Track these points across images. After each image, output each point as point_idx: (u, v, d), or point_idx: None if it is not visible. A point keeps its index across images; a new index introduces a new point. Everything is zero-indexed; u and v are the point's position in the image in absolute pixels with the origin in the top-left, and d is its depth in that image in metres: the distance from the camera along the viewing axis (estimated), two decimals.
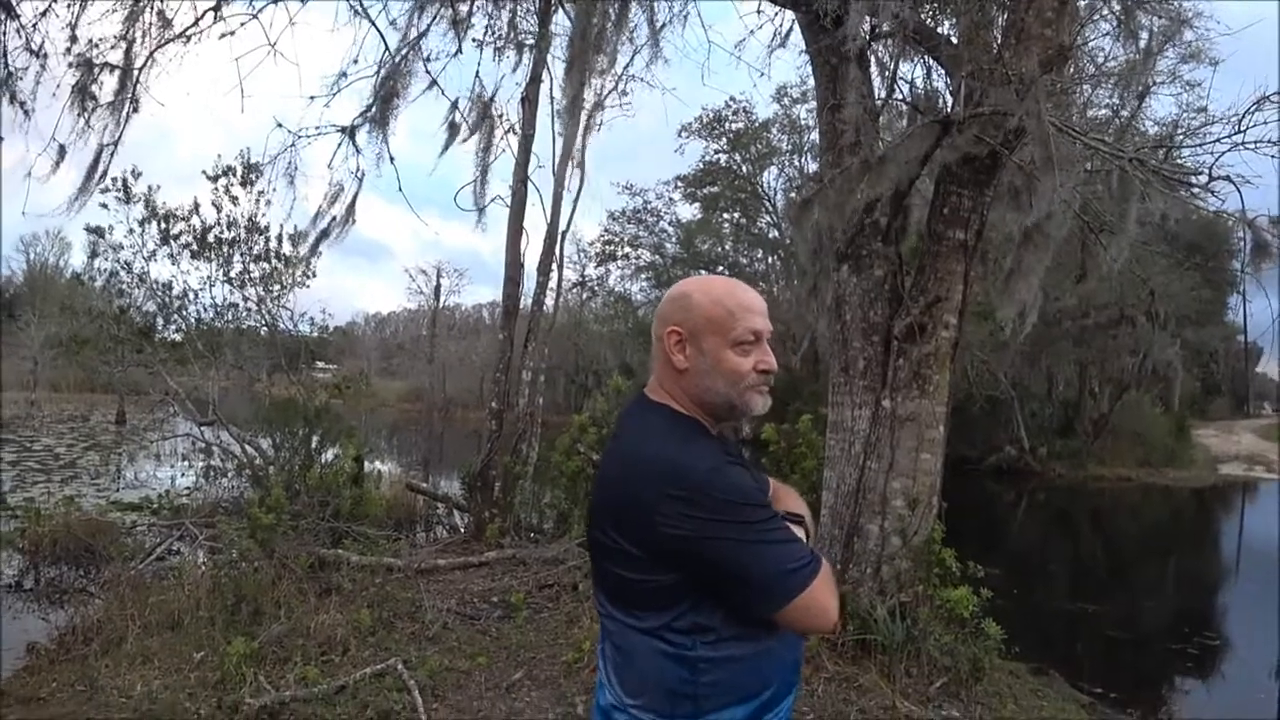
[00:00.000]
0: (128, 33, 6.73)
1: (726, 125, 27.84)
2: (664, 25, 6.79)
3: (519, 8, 8.72)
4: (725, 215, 30.99)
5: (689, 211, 31.36)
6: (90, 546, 7.99)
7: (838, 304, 5.61)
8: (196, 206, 9.97)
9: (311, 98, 6.37)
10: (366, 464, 9.77)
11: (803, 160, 27.90)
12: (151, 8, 6.78)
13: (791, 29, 6.86)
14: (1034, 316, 5.76)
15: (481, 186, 8.44)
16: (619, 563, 1.63)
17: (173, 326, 10.77)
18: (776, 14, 6.84)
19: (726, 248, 32.19)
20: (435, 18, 6.05)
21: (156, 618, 5.66)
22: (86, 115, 6.77)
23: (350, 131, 6.43)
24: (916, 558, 5.33)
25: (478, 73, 7.25)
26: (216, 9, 6.85)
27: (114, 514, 9.81)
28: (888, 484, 5.31)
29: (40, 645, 5.63)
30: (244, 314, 10.61)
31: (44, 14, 6.51)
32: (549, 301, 11.12)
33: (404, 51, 6.03)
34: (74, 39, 6.60)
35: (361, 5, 6.84)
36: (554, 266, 10.70)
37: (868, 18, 5.31)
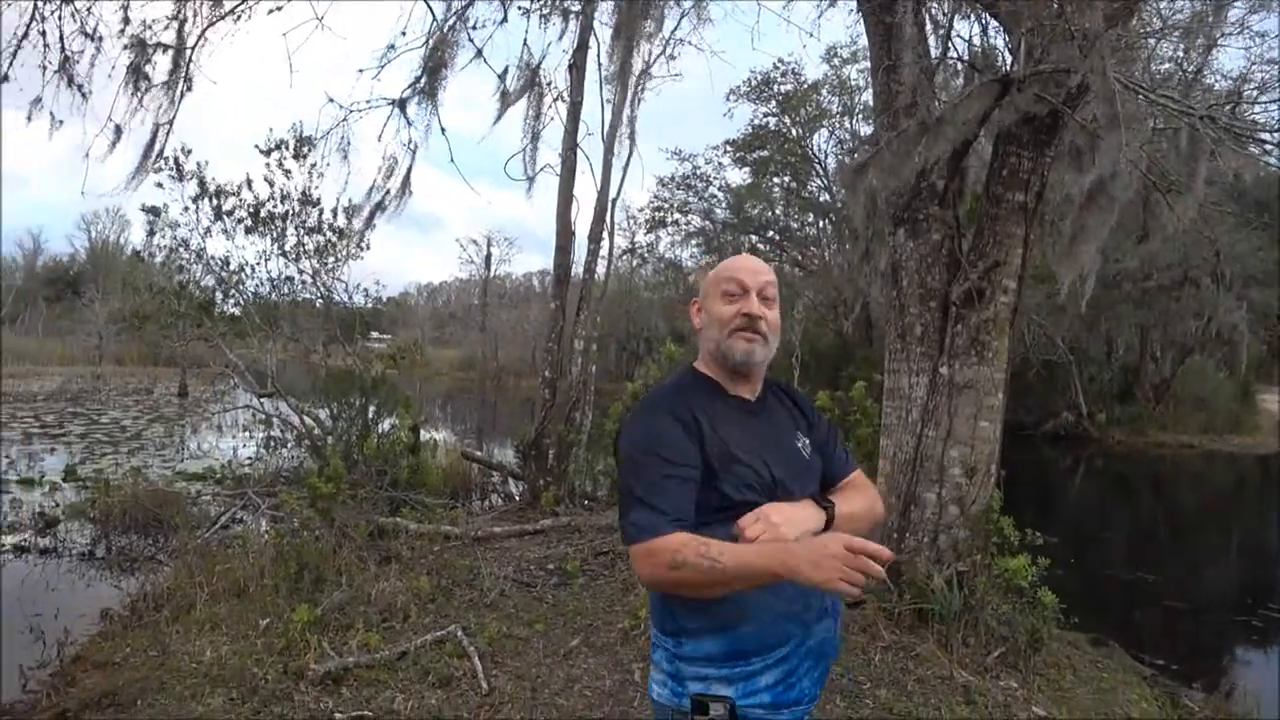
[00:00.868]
0: (179, 12, 6.80)
1: (775, 88, 27.35)
2: None
3: None
4: (775, 179, 30.49)
5: (738, 176, 30.94)
6: (158, 516, 8.24)
7: (894, 269, 5.51)
8: (249, 181, 10.09)
9: (360, 70, 6.39)
10: (422, 433, 9.90)
11: (854, 122, 27.37)
12: None
13: None
14: (1093, 279, 5.61)
15: (531, 155, 8.43)
16: None
17: (231, 300, 10.95)
18: None
19: (777, 212, 31.77)
20: None
21: (223, 585, 5.82)
22: (141, 95, 6.87)
23: (401, 104, 6.45)
24: (974, 527, 5.26)
25: (525, 40, 7.22)
26: None
27: (179, 484, 10.11)
28: (945, 452, 5.24)
29: (114, 611, 5.84)
30: (299, 287, 10.73)
31: None
32: (600, 269, 11.08)
33: (450, 21, 6.01)
34: (127, 20, 6.69)
35: None
36: (604, 234, 10.66)
37: None
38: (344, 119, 6.83)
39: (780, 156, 29.13)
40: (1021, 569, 5.05)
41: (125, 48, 6.81)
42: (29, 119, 6.70)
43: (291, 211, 10.22)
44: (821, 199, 29.72)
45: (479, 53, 6.48)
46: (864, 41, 6.15)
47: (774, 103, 27.91)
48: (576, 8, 8.90)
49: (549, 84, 9.11)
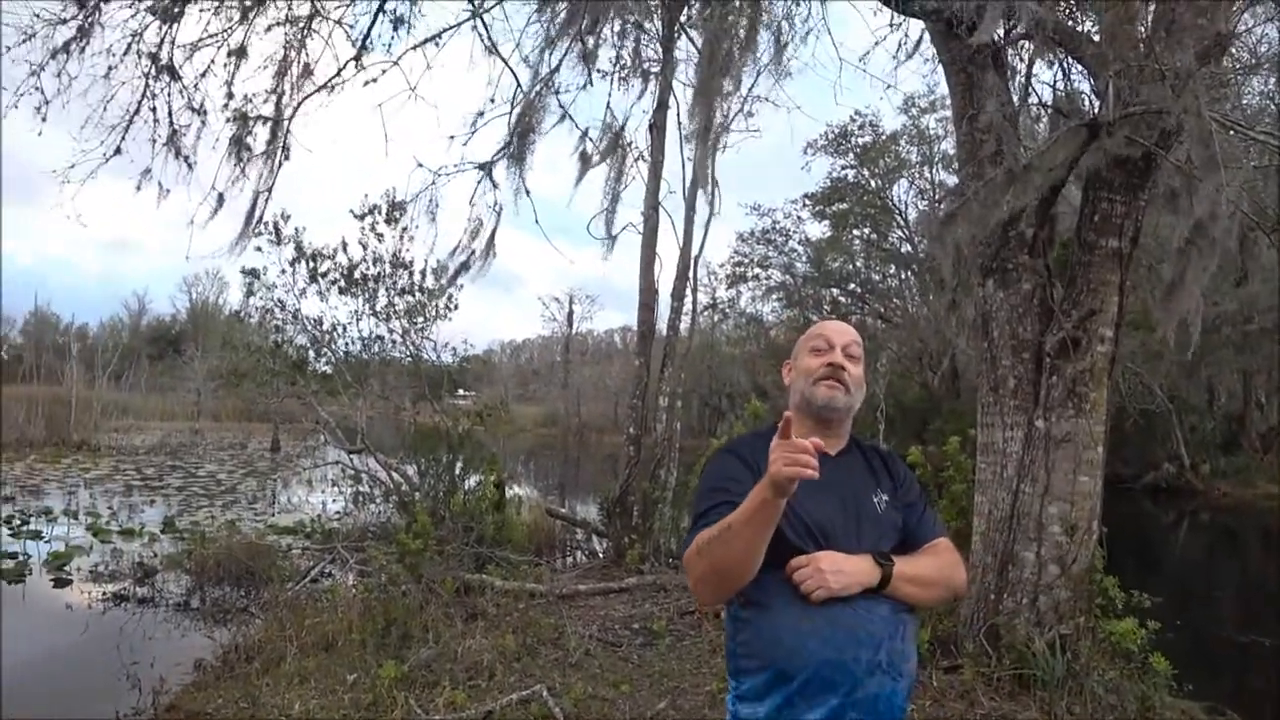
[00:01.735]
0: (277, 86, 7.13)
1: (853, 140, 27.39)
2: (787, 44, 6.74)
3: (643, 37, 8.82)
4: (855, 232, 30.38)
5: (818, 229, 30.95)
6: (250, 568, 8.43)
7: (984, 320, 5.38)
8: (344, 245, 10.46)
9: (451, 137, 6.60)
10: (507, 489, 9.98)
11: (934, 171, 27.19)
12: (299, 61, 7.18)
13: (921, 38, 6.70)
14: (1199, 324, 5.38)
15: (612, 214, 8.53)
16: None
17: (323, 359, 11.29)
18: (904, 23, 6.69)
19: (858, 265, 31.57)
20: (565, 52, 6.18)
21: (312, 639, 5.90)
22: (243, 165, 7.20)
23: (488, 168, 6.62)
24: (1076, 587, 5.04)
25: (608, 103, 7.35)
26: (357, 59, 7.20)
27: (271, 537, 10.35)
28: (1043, 509, 5.04)
29: (206, 662, 5.97)
30: (389, 346, 11.03)
31: (204, 75, 6.98)
32: (683, 325, 11.11)
33: (537, 87, 6.18)
34: (230, 95, 7.05)
35: (495, 45, 7.07)
36: (687, 291, 10.71)
37: (1003, 21, 5.12)
38: (432, 183, 7.05)
39: (860, 209, 29.05)
40: (1129, 632, 4.81)
41: (228, 121, 7.17)
42: (138, 188, 7.08)
43: (383, 273, 10.55)
44: (903, 250, 29.45)
45: (565, 114, 6.65)
46: (942, 90, 6.12)
47: (852, 155, 27.90)
48: (656, 69, 9.07)
49: (630, 144, 9.26)
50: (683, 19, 8.87)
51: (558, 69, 6.03)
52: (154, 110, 6.99)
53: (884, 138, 27.15)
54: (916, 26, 6.48)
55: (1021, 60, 6.14)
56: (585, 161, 7.33)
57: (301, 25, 7.12)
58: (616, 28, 7.41)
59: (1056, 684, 4.71)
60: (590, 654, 5.90)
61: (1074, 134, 4.82)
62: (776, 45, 6.58)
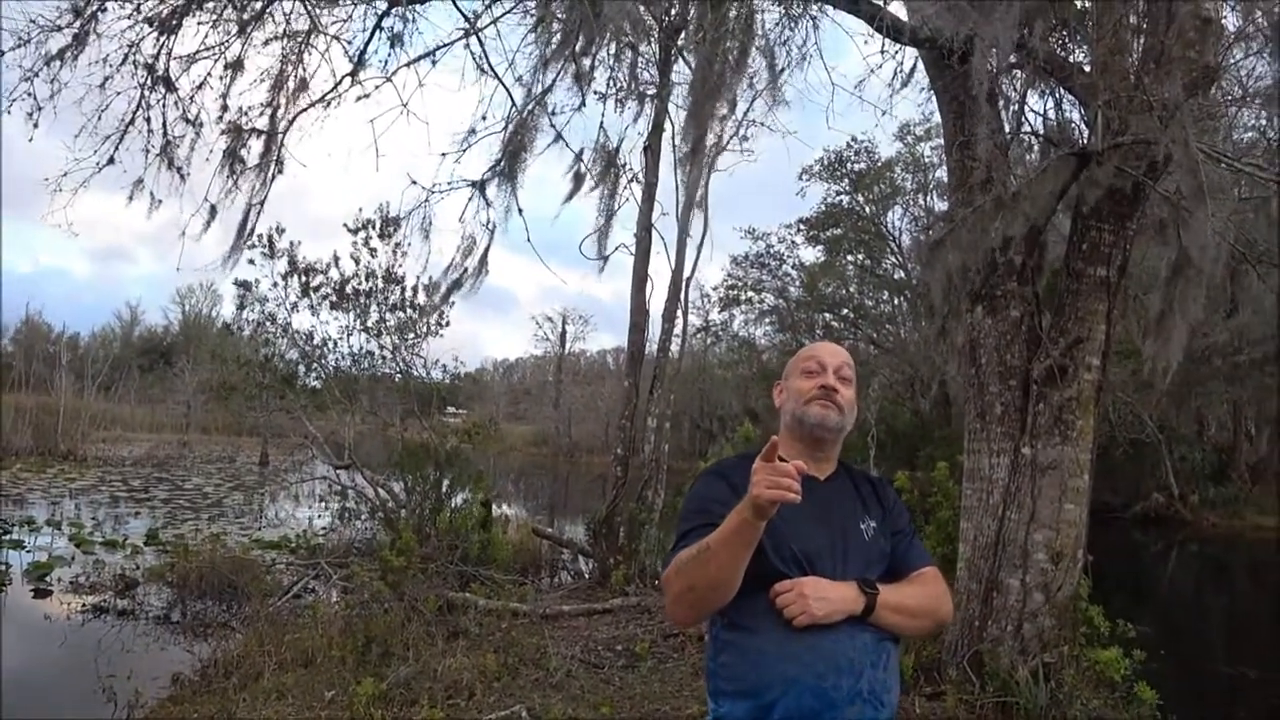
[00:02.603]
0: (273, 99, 7.14)
1: (848, 166, 27.55)
2: (784, 69, 6.77)
3: (639, 59, 8.87)
4: (849, 257, 30.48)
5: (812, 254, 31.05)
6: (233, 582, 8.34)
7: (972, 347, 5.39)
8: (336, 260, 10.46)
9: (443, 154, 6.60)
10: (494, 508, 9.93)
11: (928, 199, 27.34)
12: (295, 76, 7.19)
13: (915, 66, 6.73)
14: (1179, 355, 5.39)
15: (605, 235, 8.54)
16: None
17: (313, 374, 11.27)
18: (898, 52, 6.73)
19: (851, 290, 31.68)
20: (559, 73, 6.19)
21: (291, 654, 5.84)
22: (236, 177, 7.19)
23: (480, 186, 6.62)
24: (1061, 615, 5.02)
25: (601, 124, 7.35)
26: (353, 74, 7.21)
27: (255, 552, 10.28)
28: (1029, 536, 5.03)
29: (184, 676, 5.89)
30: (379, 361, 11.00)
31: (200, 86, 6.98)
32: (674, 348, 11.12)
33: (530, 106, 6.19)
34: (225, 107, 7.05)
35: (489, 64, 7.09)
36: (679, 313, 10.73)
37: (994, 51, 5.16)
38: (425, 200, 7.04)
39: (854, 234, 29.20)
40: (1114, 661, 4.79)
41: (222, 133, 7.17)
42: (130, 199, 7.06)
43: (375, 289, 10.54)
44: (896, 276, 29.57)
45: (558, 136, 6.65)
46: (937, 119, 6.14)
47: (847, 181, 28.04)
48: (651, 92, 9.11)
49: (624, 165, 9.29)
50: (680, 42, 8.93)
51: (551, 88, 6.05)
52: (148, 121, 6.98)
53: (879, 164, 27.32)
54: (911, 54, 6.52)
55: (1014, 89, 6.19)
56: (579, 181, 7.34)
57: (299, 40, 7.13)
58: (612, 50, 7.45)
59: (1040, 712, 4.68)
60: (572, 675, 5.85)
61: (1063, 163, 4.86)
62: (770, 69, 6.60)
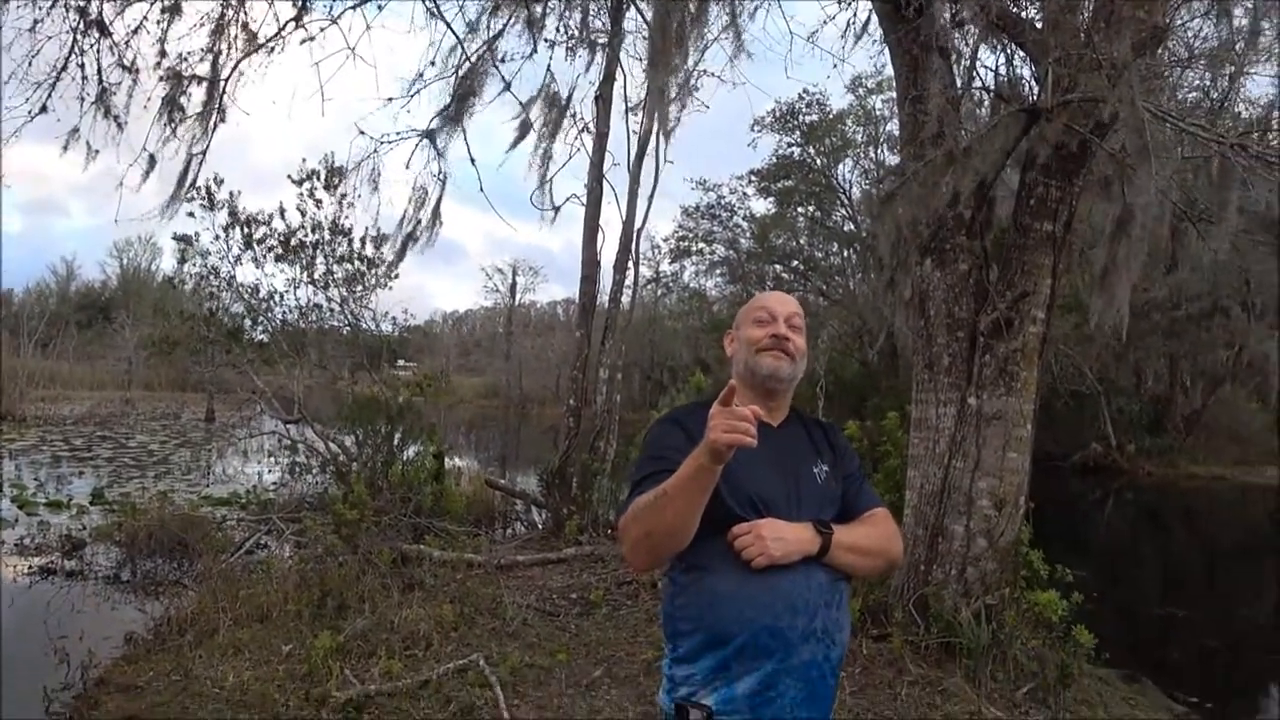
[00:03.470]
0: (214, 45, 6.93)
1: (800, 118, 27.49)
2: (739, 16, 6.71)
3: (592, 6, 8.74)
4: (800, 209, 30.51)
5: (763, 206, 31.06)
6: (183, 540, 8.23)
7: (921, 300, 5.49)
8: (281, 211, 10.22)
9: (389, 99, 6.48)
10: (446, 460, 9.92)
11: (879, 152, 27.44)
12: (236, 20, 6.97)
13: (869, 19, 6.74)
14: (1126, 311, 5.54)
15: (547, 187, 8.48)
16: None
17: (260, 328, 11.07)
18: (852, 3, 6.73)
19: (801, 242, 31.78)
20: (510, 19, 6.10)
21: (247, 610, 5.83)
22: (175, 126, 6.99)
23: (430, 135, 6.53)
24: (1003, 560, 5.19)
25: (549, 67, 7.27)
26: (298, 19, 7.02)
27: (205, 509, 10.16)
28: (973, 484, 5.18)
29: (137, 635, 5.84)
30: (327, 314, 10.85)
31: (135, 31, 6.74)
32: (625, 299, 11.10)
33: (480, 51, 6.09)
34: (163, 54, 6.82)
35: (438, 8, 6.94)
36: (630, 264, 10.70)
37: (949, 5, 5.19)
38: (374, 151, 6.92)
39: (805, 187, 29.22)
40: (1052, 603, 4.96)
41: (161, 80, 6.95)
42: (65, 148, 6.83)
43: (321, 240, 10.34)
44: (846, 229, 29.74)
45: (507, 85, 6.58)
46: (889, 71, 6.16)
47: (799, 133, 28.01)
48: (603, 40, 9.00)
49: (575, 115, 9.20)
50: None
51: (502, 33, 5.95)
52: (82, 67, 6.74)
53: (830, 116, 27.31)
54: (865, 6, 6.52)
55: (966, 44, 6.22)
56: (524, 129, 7.26)
57: None
58: None
59: (981, 652, 4.85)
60: (528, 624, 5.93)
61: (1014, 119, 4.92)
62: (734, 20, 6.54)
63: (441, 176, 7.02)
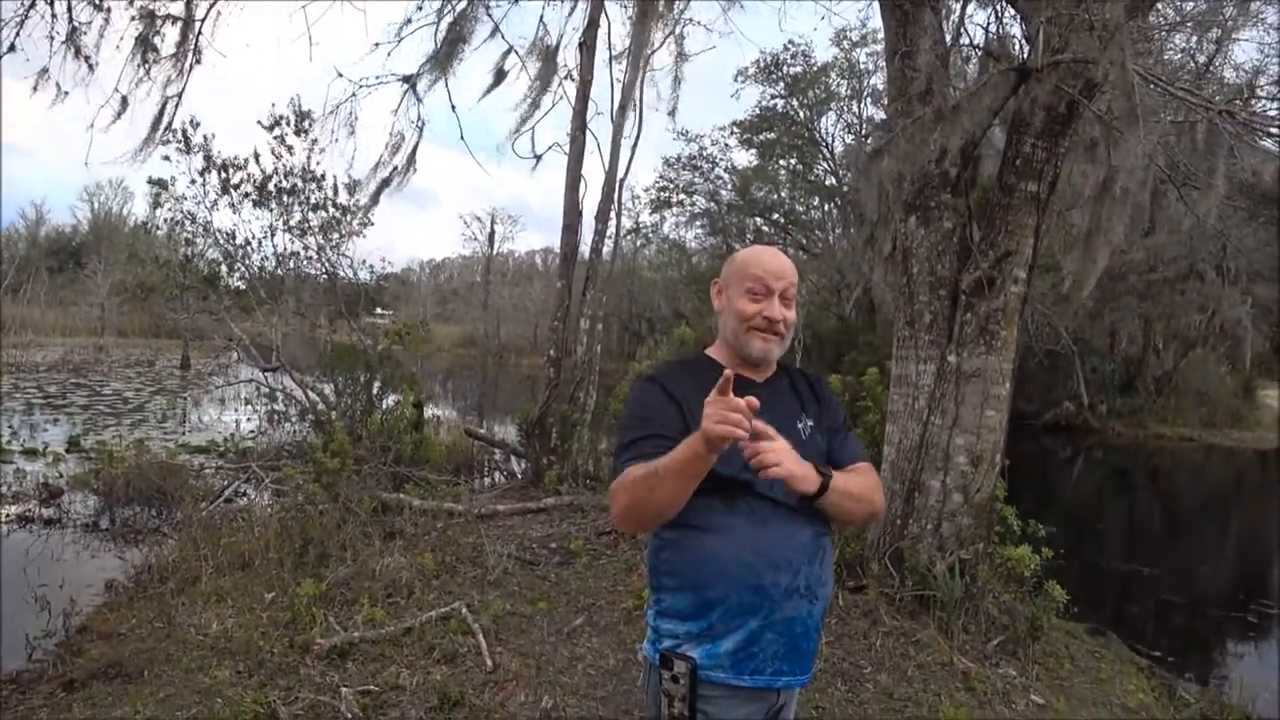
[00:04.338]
0: None
1: (784, 69, 27.22)
2: None
3: None
4: (782, 162, 30.27)
5: (745, 158, 30.79)
6: (161, 488, 8.21)
7: (904, 256, 5.51)
8: (256, 156, 10.04)
9: (376, 45, 6.38)
10: (425, 409, 9.91)
11: (862, 106, 27.26)
12: None
13: None
14: (1098, 271, 5.60)
15: (530, 134, 8.37)
16: None
17: (236, 274, 10.94)
18: None
19: (782, 195, 31.58)
20: None
21: (228, 558, 5.85)
22: (148, 67, 6.84)
23: (412, 81, 6.43)
24: (978, 515, 5.29)
25: (542, 18, 7.17)
26: None
27: (183, 456, 10.10)
28: (951, 440, 5.25)
29: (119, 583, 5.86)
30: (304, 262, 10.73)
31: None
32: (606, 249, 11.05)
33: None
34: None
35: None
36: (612, 214, 10.63)
37: None
38: (353, 95, 6.82)
39: (787, 139, 28.98)
40: (1024, 558, 5.08)
41: (133, 19, 6.78)
42: (35, 89, 6.67)
43: (296, 186, 10.19)
44: (827, 182, 29.59)
45: (496, 29, 6.48)
46: (875, 24, 6.12)
47: (782, 85, 27.75)
48: None
49: (559, 63, 9.08)
50: None
51: None
52: (51, 4, 6.57)
53: (815, 69, 27.06)
54: None
55: (956, 0, 6.19)
56: (500, 76, 7.17)
57: None
58: None
59: (954, 605, 4.97)
60: (509, 572, 5.99)
61: (1003, 78, 4.91)
62: None
63: (420, 123, 6.94)
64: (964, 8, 6.23)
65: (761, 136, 29.28)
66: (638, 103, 10.85)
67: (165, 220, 10.61)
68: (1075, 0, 4.65)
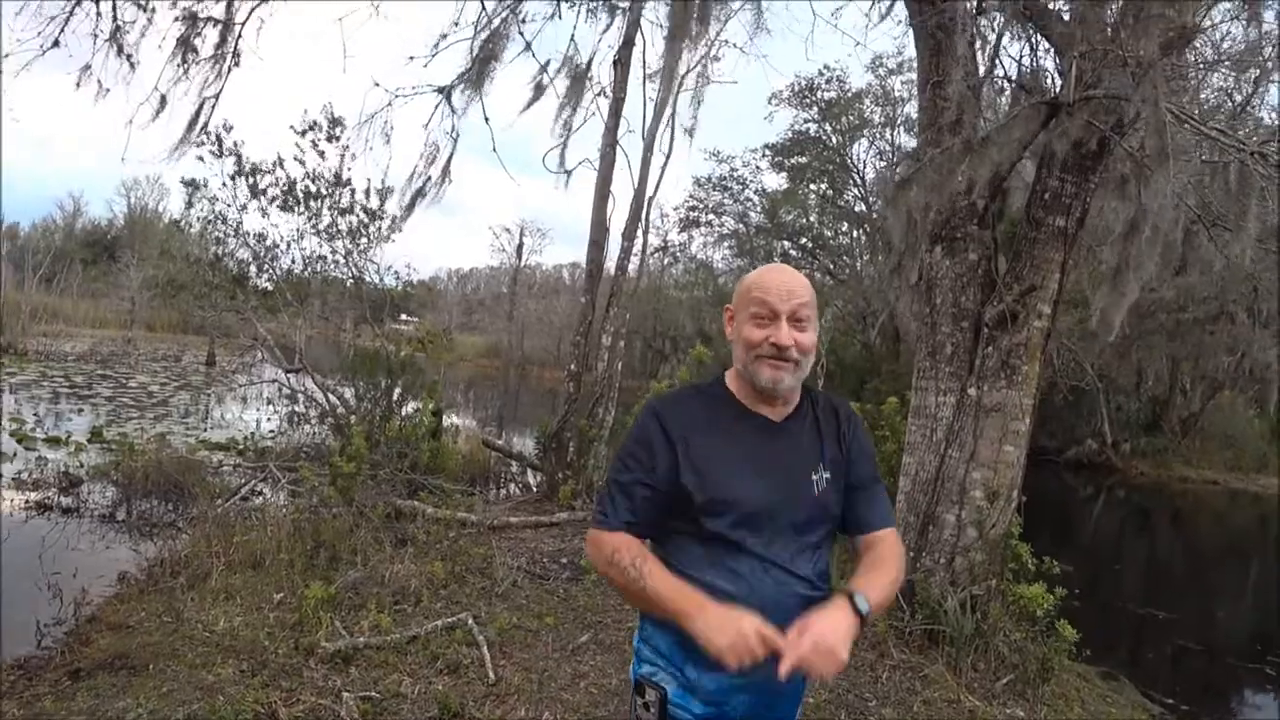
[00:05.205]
0: None
1: (818, 94, 27.23)
2: None
3: None
4: (812, 186, 30.22)
5: (775, 181, 30.73)
6: (179, 483, 8.30)
7: (928, 287, 5.47)
8: (280, 161, 10.20)
9: (412, 58, 6.45)
10: (444, 418, 9.95)
11: (895, 134, 27.19)
12: None
13: (894, 1, 6.67)
14: (1124, 311, 5.54)
15: (561, 150, 8.43)
16: None
17: (264, 275, 11.08)
18: None
19: (811, 219, 31.50)
20: None
21: (240, 556, 5.87)
22: (188, 68, 6.95)
23: (446, 92, 6.49)
24: (992, 551, 5.22)
25: (573, 36, 7.24)
26: None
27: (202, 453, 10.21)
28: (968, 474, 5.20)
29: (131, 575, 5.90)
30: (331, 266, 10.85)
31: None
32: (632, 266, 11.07)
33: (503, 14, 6.04)
34: None
35: None
36: (639, 232, 10.65)
37: None
38: (389, 104, 6.89)
39: (818, 164, 28.95)
40: (1038, 597, 5.00)
41: (176, 20, 6.89)
42: (78, 85, 6.79)
43: (323, 192, 10.32)
44: (857, 209, 29.52)
45: (528, 45, 6.53)
46: (910, 52, 6.11)
47: (816, 109, 27.76)
48: (624, 4, 8.91)
49: (591, 79, 9.13)
50: None
51: None
52: (96, 3, 6.69)
53: (849, 95, 27.06)
54: None
55: (991, 31, 6.17)
56: (538, 92, 7.22)
57: None
58: None
59: (964, 641, 4.91)
60: (517, 585, 5.98)
61: (1034, 111, 4.88)
62: None
63: (454, 135, 7.00)
64: (999, 40, 6.21)
65: (793, 160, 29.25)
66: (669, 121, 10.91)
67: (198, 219, 10.79)
68: (1110, 36, 4.62)
